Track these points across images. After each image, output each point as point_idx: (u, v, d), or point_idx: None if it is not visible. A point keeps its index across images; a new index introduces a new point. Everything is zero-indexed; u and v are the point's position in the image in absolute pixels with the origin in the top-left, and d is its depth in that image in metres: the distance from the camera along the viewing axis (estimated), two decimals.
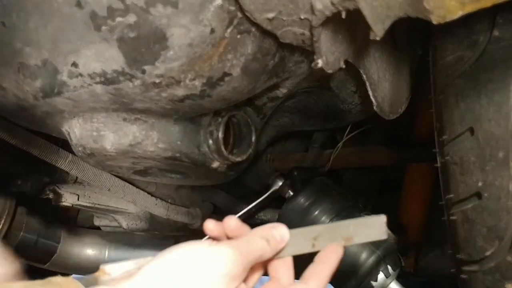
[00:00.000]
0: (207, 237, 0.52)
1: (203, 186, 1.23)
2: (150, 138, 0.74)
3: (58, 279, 0.43)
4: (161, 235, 1.39)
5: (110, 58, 0.59)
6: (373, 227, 0.60)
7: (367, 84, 0.67)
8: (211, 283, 0.46)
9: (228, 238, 0.52)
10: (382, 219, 0.58)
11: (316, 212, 0.92)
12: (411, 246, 1.37)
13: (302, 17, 0.50)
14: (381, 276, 0.89)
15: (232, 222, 0.51)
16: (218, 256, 0.48)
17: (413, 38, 0.80)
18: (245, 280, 0.51)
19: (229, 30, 0.58)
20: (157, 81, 0.61)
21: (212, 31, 0.56)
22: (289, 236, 0.55)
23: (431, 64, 0.64)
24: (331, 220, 0.91)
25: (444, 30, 0.59)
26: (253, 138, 0.85)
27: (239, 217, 0.88)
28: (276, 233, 0.54)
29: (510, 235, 0.53)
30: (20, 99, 0.68)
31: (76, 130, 0.73)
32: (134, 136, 0.72)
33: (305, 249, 0.57)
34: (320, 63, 0.52)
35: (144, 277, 0.45)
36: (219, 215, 1.10)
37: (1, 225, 1.12)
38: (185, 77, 0.61)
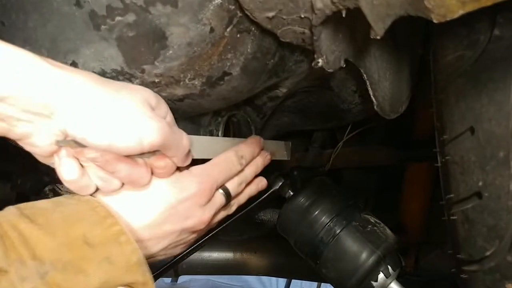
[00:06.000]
0: None
1: None
2: None
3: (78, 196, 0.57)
4: None
5: (109, 58, 0.59)
6: (286, 150, 0.85)
7: (368, 83, 0.67)
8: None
9: None
10: (289, 144, 0.87)
11: (316, 212, 0.92)
12: (411, 246, 1.37)
13: (302, 16, 0.50)
14: (381, 276, 0.88)
15: None
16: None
17: (413, 37, 0.80)
18: None
19: (228, 29, 0.57)
20: (157, 80, 0.61)
21: (212, 30, 0.56)
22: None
23: (431, 63, 0.64)
24: (332, 219, 0.91)
25: (445, 29, 0.59)
26: None
27: (238, 217, 0.88)
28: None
29: (510, 235, 0.53)
30: None
31: None
32: None
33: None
34: (320, 62, 0.52)
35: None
36: None
37: None
38: (184, 76, 0.61)
